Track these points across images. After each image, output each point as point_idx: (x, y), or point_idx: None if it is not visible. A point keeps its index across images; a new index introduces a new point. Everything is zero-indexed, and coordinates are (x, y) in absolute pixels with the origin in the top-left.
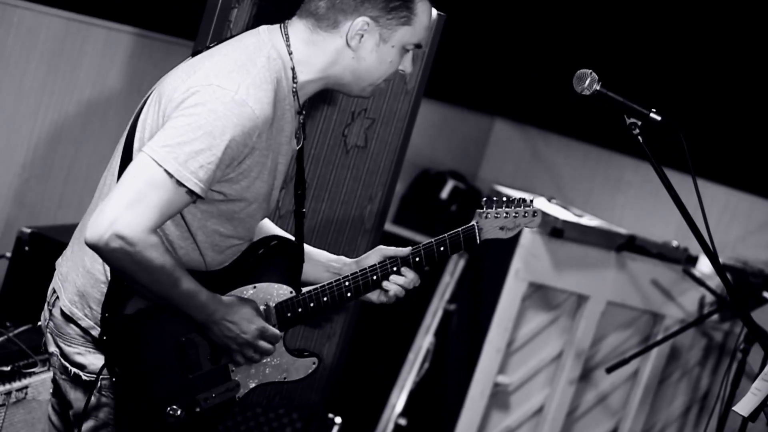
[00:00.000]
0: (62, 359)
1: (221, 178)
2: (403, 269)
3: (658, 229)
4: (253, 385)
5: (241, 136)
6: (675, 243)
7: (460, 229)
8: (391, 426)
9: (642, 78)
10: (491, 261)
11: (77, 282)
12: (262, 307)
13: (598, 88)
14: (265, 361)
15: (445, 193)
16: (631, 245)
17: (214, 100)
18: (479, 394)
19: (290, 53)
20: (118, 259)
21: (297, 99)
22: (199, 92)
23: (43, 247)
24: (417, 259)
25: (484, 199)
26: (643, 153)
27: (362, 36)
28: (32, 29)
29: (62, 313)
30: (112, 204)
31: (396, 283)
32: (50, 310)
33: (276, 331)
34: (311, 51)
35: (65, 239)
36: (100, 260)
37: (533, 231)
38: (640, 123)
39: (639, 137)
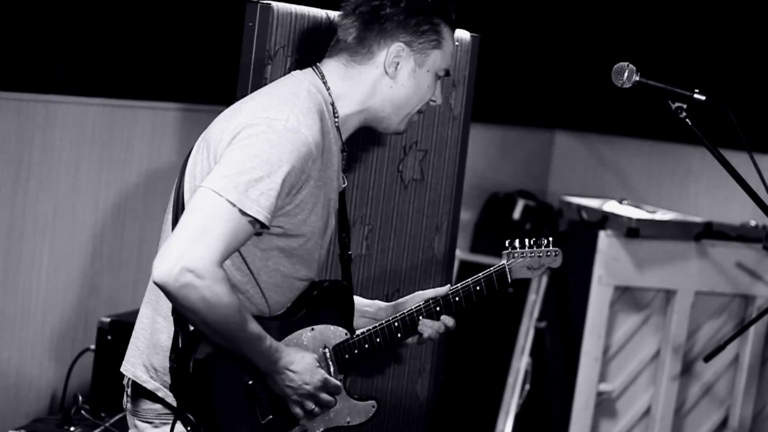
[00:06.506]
0: None
1: (279, 211)
2: (444, 317)
3: (735, 211)
4: (320, 431)
5: (298, 161)
6: (753, 222)
7: (492, 269)
8: None
9: (685, 59)
10: (573, 272)
11: (140, 347)
12: (321, 350)
13: (637, 78)
14: None
15: (517, 214)
16: (709, 232)
17: (267, 130)
18: (584, 406)
19: (328, 89)
20: (186, 295)
21: (340, 134)
22: (250, 125)
23: (124, 334)
24: (457, 299)
25: (508, 241)
26: (696, 136)
27: (398, 63)
28: (79, 122)
29: (133, 385)
30: (177, 239)
31: (432, 328)
32: (126, 391)
33: (338, 382)
34: (348, 84)
35: None
36: (162, 321)
37: (609, 235)
38: (685, 106)
39: (687, 120)
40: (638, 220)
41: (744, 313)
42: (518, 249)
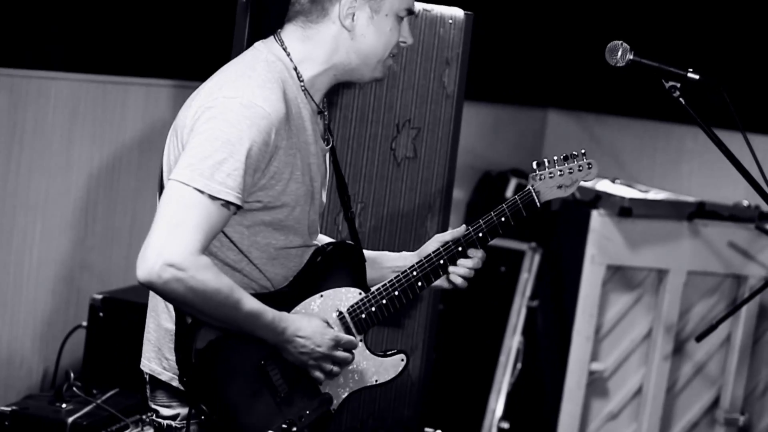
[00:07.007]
0: (157, 420)
1: (254, 187)
2: (470, 251)
3: (727, 191)
4: (345, 395)
5: (259, 135)
6: (745, 202)
7: (516, 195)
8: (494, 431)
9: (679, 38)
10: (566, 251)
11: (152, 339)
12: (334, 314)
13: (631, 57)
14: (352, 367)
15: (509, 192)
16: (701, 212)
17: (224, 111)
18: (576, 385)
19: (288, 54)
20: (173, 289)
21: (311, 97)
22: (208, 108)
23: (116, 311)
24: (480, 234)
25: (535, 162)
26: (689, 115)
27: (353, 14)
28: (72, 99)
29: (149, 377)
30: (153, 236)
31: (465, 266)
32: (146, 380)
33: (351, 337)
34: (309, 46)
35: (137, 299)
36: (165, 309)
37: (602, 214)
38: (679, 85)
39: (680, 99)
40: (631, 200)
41: (736, 293)
42: (546, 168)
